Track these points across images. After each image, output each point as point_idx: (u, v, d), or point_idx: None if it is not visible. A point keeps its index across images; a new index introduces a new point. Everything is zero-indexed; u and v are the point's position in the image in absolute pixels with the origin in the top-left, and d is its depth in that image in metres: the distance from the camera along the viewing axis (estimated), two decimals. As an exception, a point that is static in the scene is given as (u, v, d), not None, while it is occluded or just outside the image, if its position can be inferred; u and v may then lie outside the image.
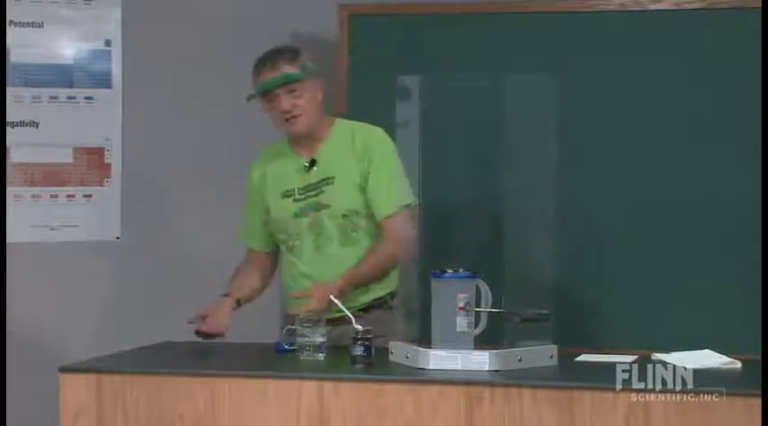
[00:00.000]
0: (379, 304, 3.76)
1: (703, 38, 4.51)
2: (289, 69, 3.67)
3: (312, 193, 3.75)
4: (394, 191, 3.67)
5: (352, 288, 3.66)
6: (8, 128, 4.50)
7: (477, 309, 3.27)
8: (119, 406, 3.22)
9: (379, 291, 3.76)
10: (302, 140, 3.77)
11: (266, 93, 3.68)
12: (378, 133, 3.71)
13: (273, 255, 3.90)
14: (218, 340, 3.68)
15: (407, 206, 3.65)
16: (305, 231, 3.74)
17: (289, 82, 3.66)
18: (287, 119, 3.69)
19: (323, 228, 3.73)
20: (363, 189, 3.72)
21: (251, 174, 3.86)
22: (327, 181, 3.74)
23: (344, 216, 3.72)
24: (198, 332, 3.66)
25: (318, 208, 3.73)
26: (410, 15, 4.71)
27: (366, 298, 3.74)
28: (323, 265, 3.72)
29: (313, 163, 3.75)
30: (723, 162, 4.49)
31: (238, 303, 3.77)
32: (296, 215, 3.75)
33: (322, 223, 3.73)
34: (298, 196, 3.76)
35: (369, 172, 3.70)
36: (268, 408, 3.15)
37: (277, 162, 3.82)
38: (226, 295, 3.78)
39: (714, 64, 4.50)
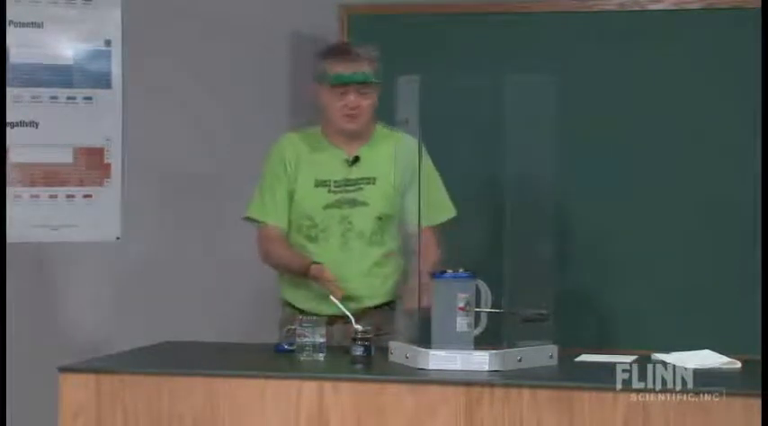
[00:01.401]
0: (382, 305, 3.77)
1: (703, 38, 4.51)
2: (368, 69, 3.72)
3: (351, 188, 3.76)
4: (445, 203, 3.80)
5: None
6: (8, 129, 4.50)
7: (477, 309, 3.27)
8: (118, 406, 3.21)
9: (387, 296, 3.78)
10: (344, 136, 3.78)
11: (340, 86, 3.70)
12: (420, 144, 3.64)
13: (287, 238, 3.84)
14: None
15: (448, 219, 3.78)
16: (334, 224, 3.74)
17: (365, 82, 3.70)
18: (347, 115, 3.71)
19: (353, 224, 3.74)
20: (401, 195, 3.71)
21: (283, 152, 3.81)
22: (369, 180, 3.76)
23: (379, 218, 3.74)
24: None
25: (354, 204, 3.75)
26: (410, 15, 4.71)
27: (375, 302, 3.75)
28: (346, 260, 3.72)
29: (356, 159, 3.77)
30: (723, 162, 4.49)
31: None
32: (327, 206, 3.76)
33: (354, 219, 3.74)
34: (334, 188, 3.76)
35: (413, 180, 3.65)
36: (268, 408, 3.15)
37: (314, 149, 3.81)
38: (314, 263, 3.72)
39: (714, 64, 4.51)
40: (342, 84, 3.70)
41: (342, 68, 3.71)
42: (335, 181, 3.77)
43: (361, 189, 3.76)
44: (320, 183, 3.77)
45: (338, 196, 3.76)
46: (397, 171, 3.66)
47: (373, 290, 3.73)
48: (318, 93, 3.77)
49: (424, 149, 3.47)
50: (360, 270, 3.72)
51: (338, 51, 3.80)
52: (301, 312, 3.67)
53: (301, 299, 3.78)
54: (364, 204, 3.75)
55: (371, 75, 3.72)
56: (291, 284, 3.81)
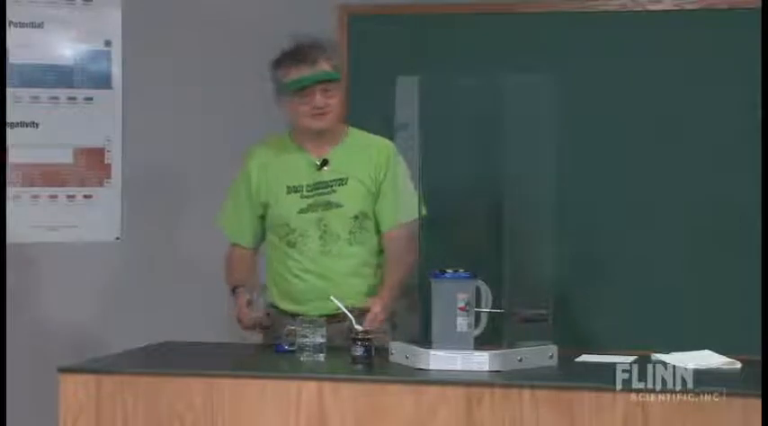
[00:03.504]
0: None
1: (703, 38, 4.51)
2: (326, 67, 3.67)
3: (324, 191, 3.75)
4: (405, 205, 3.66)
5: (396, 298, 3.67)
6: (8, 129, 4.50)
7: (477, 309, 3.27)
8: (118, 406, 3.22)
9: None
10: (312, 138, 3.76)
11: (302, 89, 3.65)
12: (393, 147, 3.67)
13: (256, 252, 3.90)
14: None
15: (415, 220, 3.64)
16: (311, 228, 3.74)
17: (327, 80, 3.66)
18: (315, 115, 3.68)
19: (330, 226, 3.73)
20: (375, 196, 3.74)
21: (248, 167, 3.83)
22: (341, 181, 3.75)
23: (355, 217, 3.74)
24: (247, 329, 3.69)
25: (329, 206, 3.74)
26: (410, 15, 4.71)
27: (361, 303, 3.73)
28: (328, 262, 3.73)
29: (325, 162, 3.76)
30: (723, 162, 4.49)
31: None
32: (302, 211, 3.75)
33: (330, 221, 3.73)
34: (306, 192, 3.76)
35: (383, 182, 3.72)
36: (267, 408, 3.15)
37: (281, 156, 3.81)
38: (238, 287, 3.74)
39: (714, 64, 4.51)
40: (304, 88, 3.64)
41: (301, 71, 3.65)
42: (307, 186, 3.76)
43: (334, 190, 3.74)
44: (292, 189, 3.77)
45: (311, 200, 3.75)
46: (370, 172, 3.71)
47: (357, 291, 3.72)
48: (283, 104, 3.72)
49: (397, 154, 3.52)
50: (342, 271, 3.72)
51: (292, 55, 3.68)
52: (286, 314, 3.69)
53: (286, 301, 3.78)
54: (338, 205, 3.74)
55: (333, 73, 3.68)
56: (273, 286, 3.82)
